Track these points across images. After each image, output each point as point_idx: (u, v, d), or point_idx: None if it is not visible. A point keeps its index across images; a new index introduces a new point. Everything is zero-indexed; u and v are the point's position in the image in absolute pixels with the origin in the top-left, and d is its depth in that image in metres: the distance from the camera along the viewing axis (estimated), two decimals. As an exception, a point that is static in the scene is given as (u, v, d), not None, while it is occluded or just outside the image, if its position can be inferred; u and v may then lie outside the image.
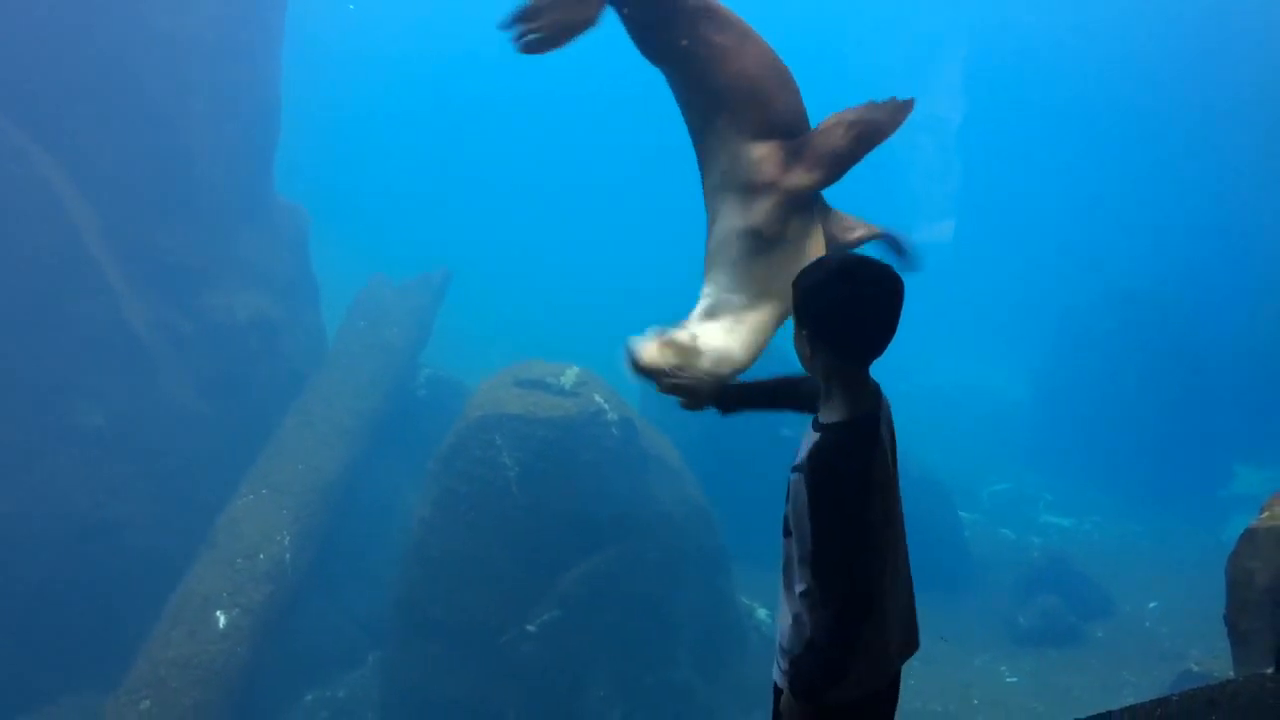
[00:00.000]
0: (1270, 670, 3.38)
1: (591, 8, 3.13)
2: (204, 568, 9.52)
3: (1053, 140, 20.69)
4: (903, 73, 29.28)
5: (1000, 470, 16.78)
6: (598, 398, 9.98)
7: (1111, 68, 19.44)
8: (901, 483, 2.50)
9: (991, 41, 22.90)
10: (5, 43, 10.38)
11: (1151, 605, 12.46)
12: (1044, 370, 18.42)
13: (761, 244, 3.05)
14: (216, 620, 9.00)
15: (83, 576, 9.96)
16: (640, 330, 3.05)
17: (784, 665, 2.53)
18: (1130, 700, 6.58)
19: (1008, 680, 11.08)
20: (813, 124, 3.29)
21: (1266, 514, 5.15)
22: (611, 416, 9.89)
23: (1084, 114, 19.88)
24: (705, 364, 2.90)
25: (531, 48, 3.10)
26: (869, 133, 3.16)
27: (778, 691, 2.58)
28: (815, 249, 3.09)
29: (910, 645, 2.55)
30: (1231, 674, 4.75)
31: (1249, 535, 5.04)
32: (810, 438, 2.41)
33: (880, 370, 2.55)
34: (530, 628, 9.18)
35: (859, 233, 3.35)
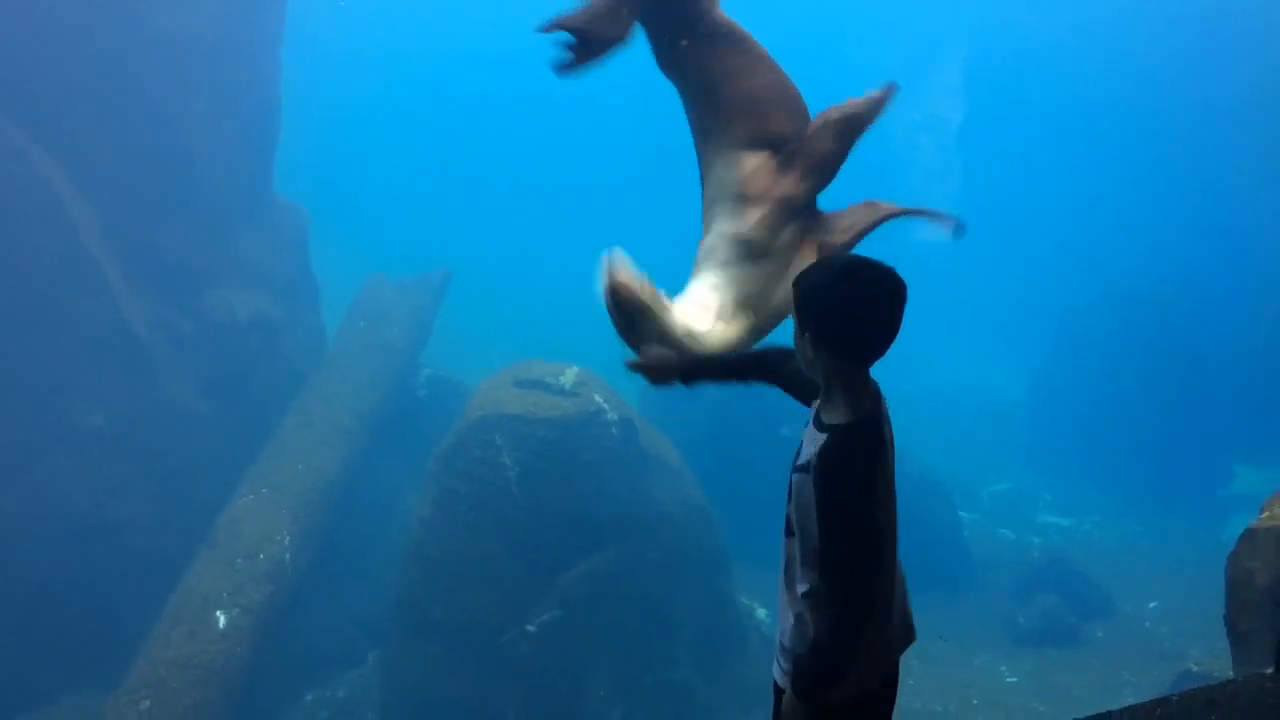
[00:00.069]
0: (1270, 670, 3.38)
1: (624, 25, 3.20)
2: (204, 567, 9.52)
3: (1053, 140, 20.69)
4: (903, 73, 29.26)
5: (1000, 470, 16.78)
6: (597, 398, 9.98)
7: (1111, 68, 19.43)
8: (902, 483, 2.50)
9: (991, 41, 22.89)
10: (5, 43, 10.38)
11: (1151, 605, 12.47)
12: (1044, 370, 18.42)
13: (750, 253, 3.07)
14: (216, 620, 9.00)
15: (83, 576, 9.96)
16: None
17: (785, 665, 2.53)
18: (1130, 700, 6.58)
19: (1008, 680, 11.09)
20: None
21: (1266, 514, 5.14)
22: (611, 416, 9.89)
23: (1084, 114, 19.88)
24: (671, 324, 2.88)
25: (566, 68, 3.17)
26: (851, 128, 3.16)
27: (778, 691, 2.59)
28: (804, 262, 3.08)
29: (908, 638, 2.58)
30: (1231, 674, 4.75)
31: (1249, 535, 5.04)
32: (815, 438, 2.41)
33: (880, 370, 2.56)
34: (530, 628, 9.18)
35: (855, 231, 3.33)
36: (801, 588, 2.40)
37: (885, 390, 2.54)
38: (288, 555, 9.82)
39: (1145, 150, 18.58)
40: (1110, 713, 3.17)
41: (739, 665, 10.10)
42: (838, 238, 3.26)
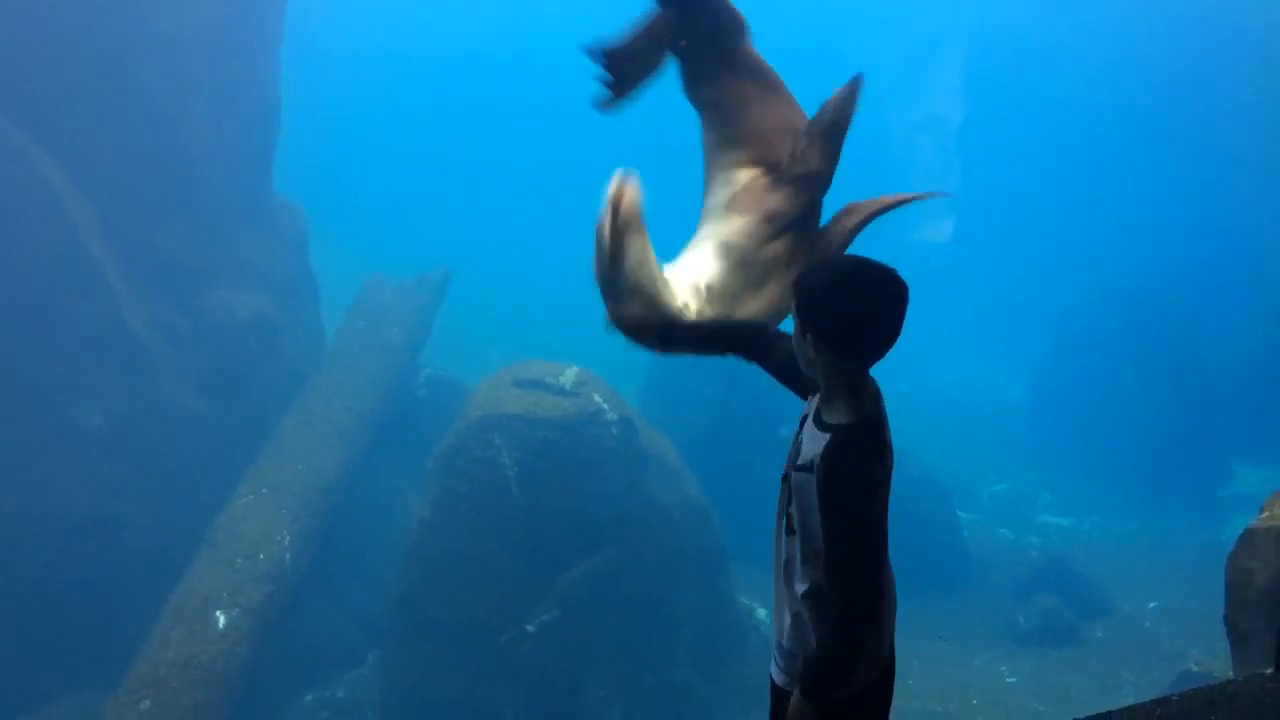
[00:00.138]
0: (1270, 670, 3.38)
1: (660, 56, 3.34)
2: (204, 567, 9.52)
3: (1052, 140, 20.68)
4: (903, 73, 29.27)
5: (1000, 470, 16.79)
6: (597, 398, 9.98)
7: (1111, 68, 19.42)
8: (901, 483, 2.51)
9: (991, 41, 22.89)
10: (5, 43, 10.38)
11: (1151, 605, 12.47)
12: (1043, 370, 18.42)
13: (729, 255, 3.08)
14: (216, 620, 9.00)
15: (82, 576, 9.97)
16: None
17: (782, 664, 2.54)
18: (1130, 700, 6.58)
19: (1007, 680, 11.09)
20: None
21: (1266, 514, 5.14)
22: (611, 416, 9.89)
23: (1084, 114, 19.87)
24: (650, 268, 2.89)
25: (606, 103, 3.33)
26: (835, 135, 3.18)
27: (776, 689, 2.60)
28: (786, 278, 3.08)
29: (893, 633, 2.60)
30: (1231, 674, 4.75)
31: (1248, 535, 5.04)
32: (818, 438, 2.41)
33: (880, 370, 2.56)
34: (530, 628, 9.18)
35: (841, 239, 3.31)
36: (801, 587, 2.41)
37: (885, 390, 2.55)
38: (288, 555, 9.82)
39: (1145, 150, 18.57)
40: (1110, 713, 3.17)
41: (739, 665, 10.11)
42: (826, 252, 3.27)
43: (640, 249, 2.89)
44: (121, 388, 10.60)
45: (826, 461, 2.34)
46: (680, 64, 3.39)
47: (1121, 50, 19.30)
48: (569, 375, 10.15)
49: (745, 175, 3.20)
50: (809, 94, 3.44)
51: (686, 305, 2.95)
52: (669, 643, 9.68)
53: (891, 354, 2.46)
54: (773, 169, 3.21)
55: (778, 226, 3.08)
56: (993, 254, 22.40)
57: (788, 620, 2.49)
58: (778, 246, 3.07)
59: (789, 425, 2.58)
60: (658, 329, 2.91)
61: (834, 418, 2.41)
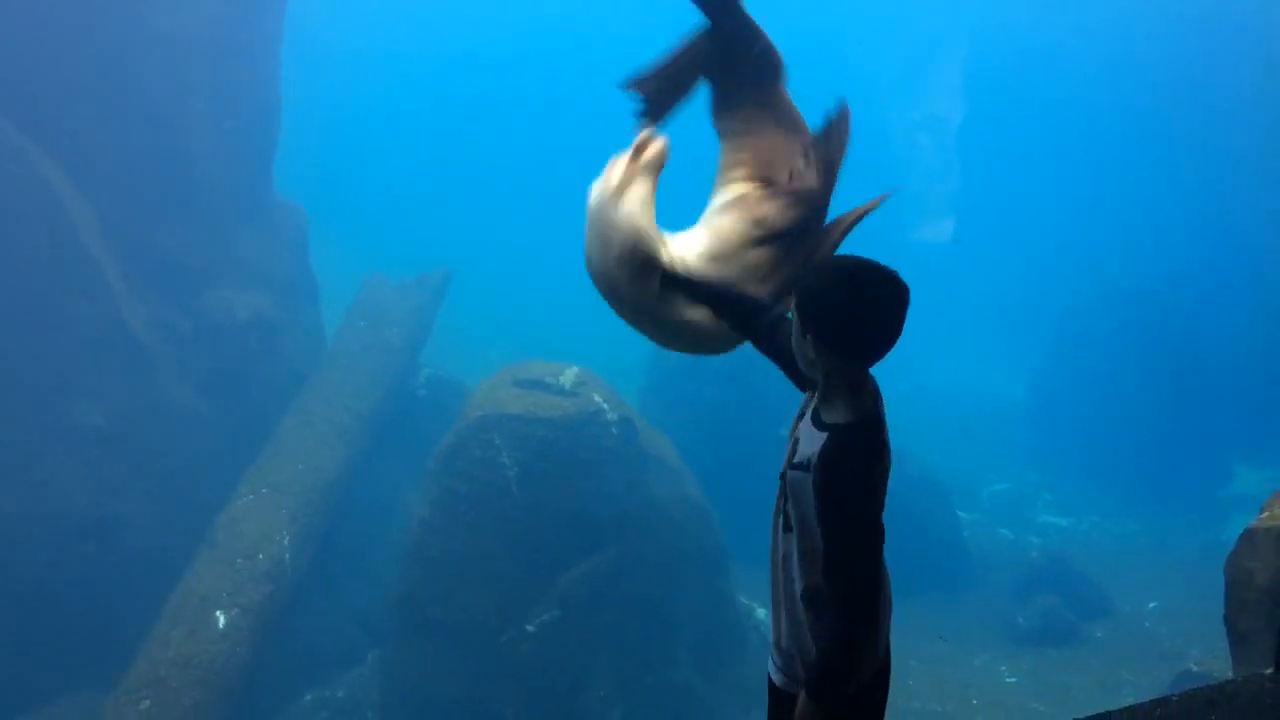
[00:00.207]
0: (1270, 670, 3.38)
1: (694, 79, 3.36)
2: (203, 567, 9.52)
3: (1052, 140, 20.68)
4: (903, 73, 29.28)
5: (999, 470, 16.79)
6: (597, 398, 9.98)
7: (1111, 68, 19.43)
8: (902, 483, 2.52)
9: (991, 41, 22.89)
10: (5, 43, 10.38)
11: (1151, 605, 12.47)
12: (1043, 370, 18.42)
13: (713, 251, 3.05)
14: (216, 620, 9.00)
15: (82, 576, 9.97)
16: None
17: (780, 663, 2.54)
18: (1130, 700, 6.58)
19: (1007, 680, 11.09)
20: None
21: (1266, 514, 5.14)
22: (611, 416, 9.89)
23: (1084, 114, 19.87)
24: (643, 216, 2.91)
25: (641, 124, 3.30)
26: (835, 162, 3.19)
27: (773, 689, 2.60)
28: (759, 290, 3.05)
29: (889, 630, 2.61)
30: (1231, 674, 4.75)
31: (1248, 535, 5.04)
32: (815, 437, 2.41)
33: (880, 370, 2.56)
34: (530, 628, 9.18)
35: (831, 248, 3.33)
36: (798, 585, 2.42)
37: (885, 390, 2.55)
38: (287, 555, 9.82)
39: (1145, 150, 18.58)
40: (1110, 713, 3.17)
41: (739, 665, 10.11)
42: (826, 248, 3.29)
43: (646, 192, 2.93)
44: (121, 388, 10.60)
45: (824, 461, 2.34)
46: (712, 90, 3.41)
47: (1121, 50, 19.30)
48: (569, 375, 10.15)
49: (744, 187, 3.21)
50: (809, 94, 3.44)
51: (671, 261, 2.95)
52: (669, 643, 9.68)
53: (891, 354, 2.46)
54: (771, 184, 3.22)
55: (764, 232, 3.06)
56: (993, 254, 22.41)
57: (785, 620, 2.49)
58: (760, 254, 3.03)
59: (789, 425, 2.58)
60: (659, 271, 2.89)
61: (832, 417, 2.41)
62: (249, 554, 9.61)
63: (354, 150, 26.15)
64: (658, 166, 3.00)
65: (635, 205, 2.92)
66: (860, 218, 3.27)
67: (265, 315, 11.93)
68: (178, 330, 11.28)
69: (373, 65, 27.89)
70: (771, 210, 3.09)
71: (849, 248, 3.31)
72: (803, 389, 2.64)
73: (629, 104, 3.33)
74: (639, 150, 2.97)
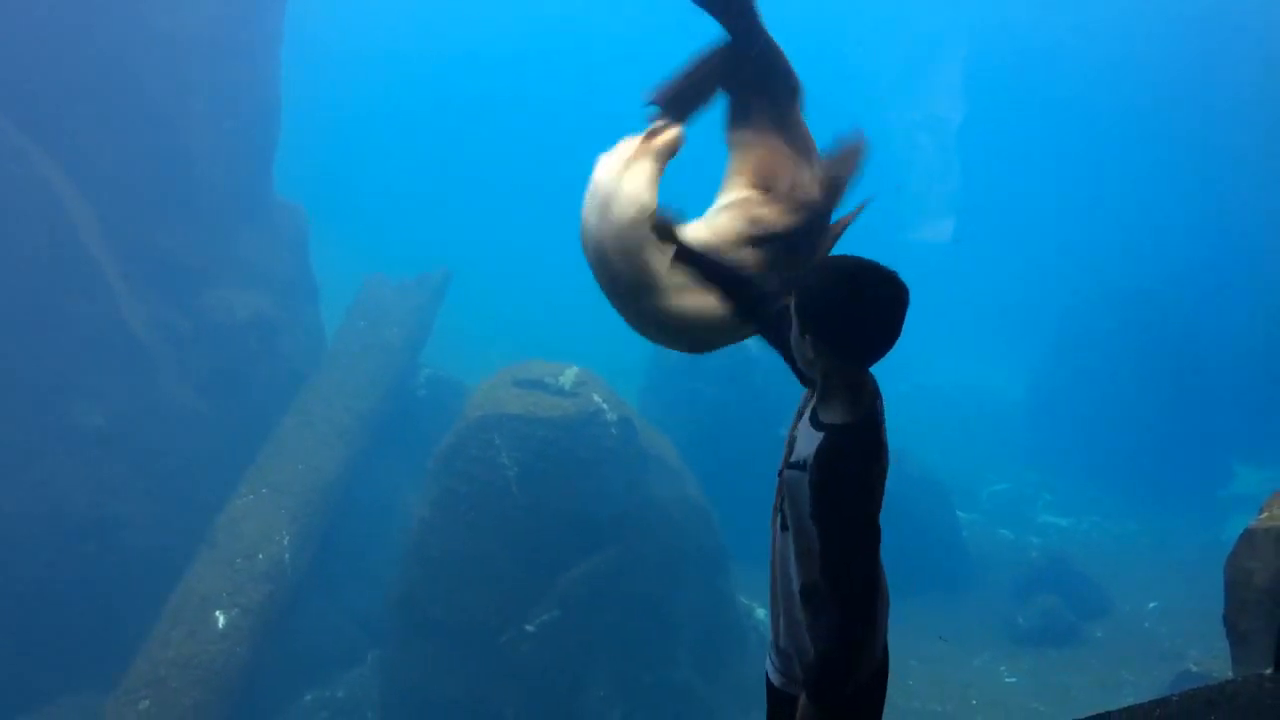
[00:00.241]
0: (1269, 670, 3.38)
1: (713, 90, 3.34)
2: (203, 567, 9.52)
3: (1052, 140, 20.68)
4: (903, 73, 29.27)
5: (999, 470, 16.79)
6: (597, 398, 9.98)
7: (1111, 68, 19.42)
8: (902, 483, 2.53)
9: (991, 41, 22.89)
10: (5, 43, 10.38)
11: (1151, 605, 12.47)
12: (1043, 370, 18.42)
13: (706, 243, 3.04)
14: (216, 620, 9.00)
15: (82, 576, 9.97)
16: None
17: (778, 663, 2.54)
18: (1129, 700, 6.58)
19: (1007, 680, 11.09)
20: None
21: (1266, 514, 5.14)
22: (610, 416, 9.89)
23: (1083, 114, 19.87)
24: (649, 194, 2.92)
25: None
26: (841, 181, 3.19)
27: (771, 688, 2.60)
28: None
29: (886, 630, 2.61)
30: (1230, 674, 4.75)
31: (1248, 536, 5.04)
32: (812, 436, 2.41)
33: (880, 370, 2.56)
34: (530, 628, 9.18)
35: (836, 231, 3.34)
36: (795, 584, 2.42)
37: (885, 390, 2.55)
38: (287, 555, 9.82)
39: (1145, 150, 18.57)
40: (1109, 713, 3.17)
41: (739, 665, 10.11)
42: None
43: (653, 171, 2.94)
44: (121, 388, 10.60)
45: (820, 461, 2.34)
46: (729, 103, 3.40)
47: (1121, 50, 19.30)
48: (569, 375, 10.15)
49: (746, 191, 3.21)
50: (810, 94, 3.44)
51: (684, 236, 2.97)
52: (669, 642, 9.68)
53: (891, 354, 2.46)
54: (771, 190, 3.22)
55: (760, 232, 3.05)
56: (993, 254, 22.40)
57: (783, 619, 2.49)
58: (752, 253, 3.01)
59: (789, 425, 2.58)
60: (653, 245, 2.87)
61: (830, 417, 2.41)
62: (249, 554, 9.61)
63: (354, 150, 26.15)
64: (668, 152, 3.01)
65: (640, 180, 2.92)
66: (848, 224, 3.28)
67: (265, 315, 11.93)
68: (178, 330, 11.28)
69: (373, 65, 27.88)
70: (769, 213, 3.09)
71: (849, 248, 3.32)
72: (805, 384, 2.63)
73: (629, 104, 3.34)
74: (652, 135, 2.99)
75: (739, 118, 3.37)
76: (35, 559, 9.84)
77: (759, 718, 2.77)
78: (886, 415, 2.56)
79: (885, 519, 2.53)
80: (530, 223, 24.44)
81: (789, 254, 3.05)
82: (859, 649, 2.35)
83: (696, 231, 3.02)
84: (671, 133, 3.02)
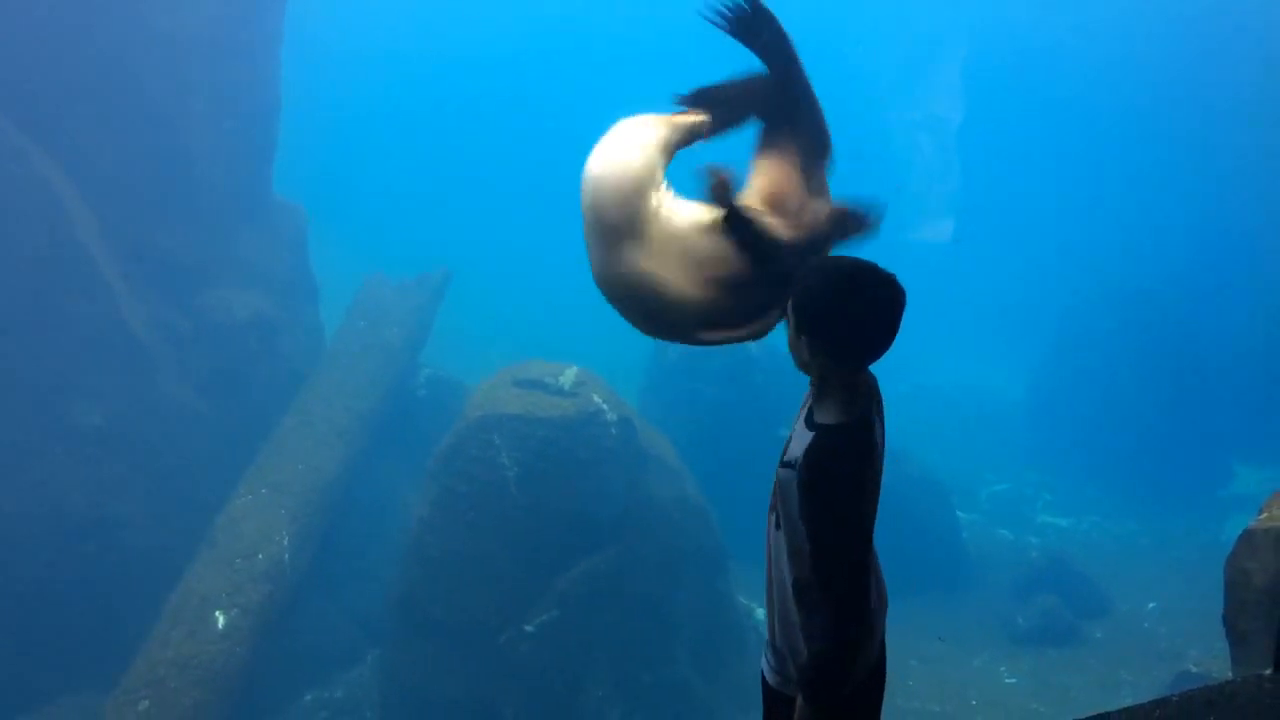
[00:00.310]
0: (1269, 671, 3.38)
1: (745, 115, 3.29)
2: (203, 567, 9.52)
3: (1052, 140, 20.68)
4: (903, 73, 29.28)
5: (999, 470, 16.79)
6: (596, 398, 9.98)
7: (1111, 68, 19.43)
8: (901, 483, 2.53)
9: (991, 41, 22.89)
10: (5, 43, 10.38)
11: (1150, 605, 12.47)
12: (1043, 370, 18.43)
13: (682, 223, 2.99)
14: (215, 620, 9.00)
15: (82, 576, 9.97)
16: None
17: (774, 663, 2.54)
18: (1129, 700, 6.59)
19: (1006, 680, 11.09)
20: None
21: (1265, 515, 5.14)
22: (610, 416, 9.89)
23: (1083, 114, 19.87)
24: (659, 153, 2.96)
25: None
26: (848, 225, 3.16)
27: (767, 688, 2.60)
28: (701, 290, 2.98)
29: (883, 631, 2.61)
30: (1230, 674, 4.76)
31: (1247, 536, 5.04)
32: (803, 436, 2.41)
33: (880, 370, 2.56)
34: (529, 627, 9.18)
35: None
36: (787, 582, 2.42)
37: (885, 390, 2.54)
38: (287, 555, 9.82)
39: (1145, 150, 18.58)
40: (1109, 713, 3.17)
41: (738, 664, 10.11)
42: None
43: (669, 136, 2.98)
44: (121, 388, 10.60)
45: (809, 461, 2.34)
46: (760, 130, 3.35)
47: (1121, 50, 19.30)
48: (569, 375, 10.15)
49: (755, 203, 3.19)
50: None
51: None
52: (668, 642, 9.68)
53: (892, 354, 2.46)
54: (774, 207, 3.20)
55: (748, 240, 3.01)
56: (993, 254, 22.41)
57: (778, 619, 2.49)
58: (722, 249, 2.92)
59: (788, 425, 2.58)
60: (721, 190, 2.89)
61: (823, 417, 2.40)
62: (249, 554, 9.61)
63: (354, 150, 26.16)
64: (689, 131, 3.02)
65: (658, 135, 2.95)
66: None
67: (265, 315, 11.93)
68: (178, 330, 11.28)
69: (373, 65, 27.90)
70: (772, 223, 3.07)
71: (848, 248, 3.32)
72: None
73: (629, 104, 3.32)
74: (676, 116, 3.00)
75: (765, 146, 3.32)
76: (35, 559, 9.84)
77: (758, 717, 2.78)
78: (887, 415, 2.56)
79: (885, 519, 2.53)
80: (530, 223, 24.45)
81: (762, 266, 2.98)
82: (853, 649, 2.35)
83: (690, 207, 3.00)
84: (698, 116, 3.01)
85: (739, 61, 3.30)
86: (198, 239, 11.64)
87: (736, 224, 2.87)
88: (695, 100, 3.19)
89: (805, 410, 2.50)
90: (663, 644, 9.65)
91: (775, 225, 2.99)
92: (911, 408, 15.30)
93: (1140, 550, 14.24)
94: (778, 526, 2.45)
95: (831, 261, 2.53)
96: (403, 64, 28.43)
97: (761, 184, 3.18)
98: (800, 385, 2.66)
